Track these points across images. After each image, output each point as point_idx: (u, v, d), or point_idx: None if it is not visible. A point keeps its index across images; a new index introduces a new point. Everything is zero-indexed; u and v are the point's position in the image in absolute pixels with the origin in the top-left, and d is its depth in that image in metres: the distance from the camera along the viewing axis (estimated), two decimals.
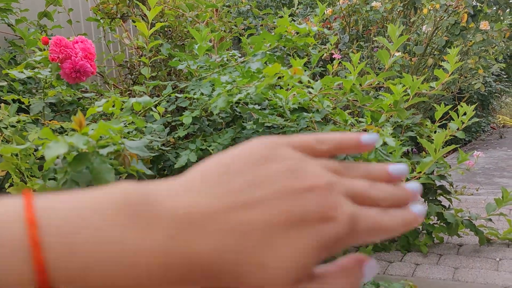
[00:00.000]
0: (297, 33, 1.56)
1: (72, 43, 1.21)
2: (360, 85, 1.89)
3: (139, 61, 1.88)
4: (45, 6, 2.38)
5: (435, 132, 2.29)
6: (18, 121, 1.34)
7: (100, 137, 0.75)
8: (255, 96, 1.13)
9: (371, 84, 1.86)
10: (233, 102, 1.17)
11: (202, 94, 1.36)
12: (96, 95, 2.29)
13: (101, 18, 1.96)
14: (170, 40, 1.98)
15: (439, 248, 2.20)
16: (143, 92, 1.74)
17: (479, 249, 2.13)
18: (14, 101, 1.79)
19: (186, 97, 1.36)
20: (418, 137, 2.23)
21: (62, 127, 1.58)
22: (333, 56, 2.72)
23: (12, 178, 1.27)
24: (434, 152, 1.57)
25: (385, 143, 1.14)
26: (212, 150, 1.32)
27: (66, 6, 2.49)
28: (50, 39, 1.21)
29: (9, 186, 1.32)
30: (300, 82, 1.51)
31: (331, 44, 2.81)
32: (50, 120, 1.91)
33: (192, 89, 1.45)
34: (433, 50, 3.93)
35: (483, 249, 2.13)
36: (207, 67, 1.47)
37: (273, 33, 1.33)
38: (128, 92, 1.90)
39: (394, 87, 1.88)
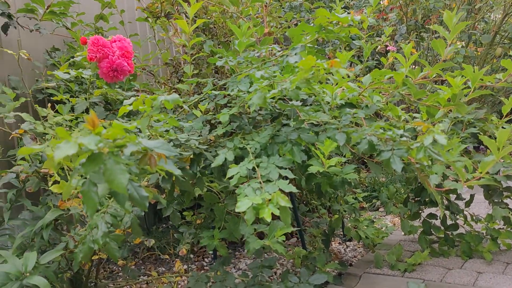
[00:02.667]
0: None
1: (109, 42, 1.22)
2: (414, 78, 1.75)
3: (184, 59, 1.88)
4: (101, 8, 2.46)
5: (502, 128, 2.08)
6: (67, 120, 1.38)
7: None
8: (291, 91, 1.07)
9: (426, 77, 1.72)
10: (268, 99, 1.12)
11: (239, 90, 1.32)
12: (147, 93, 2.33)
13: (147, 18, 1.98)
14: (214, 37, 1.96)
15: (505, 255, 2.00)
16: (187, 90, 1.73)
17: None
18: (68, 100, 1.85)
19: (224, 94, 1.32)
20: (480, 133, 2.04)
21: (112, 124, 1.61)
22: (388, 49, 2.57)
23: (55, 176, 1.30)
24: (497, 151, 1.41)
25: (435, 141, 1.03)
26: (250, 148, 1.28)
27: (120, 7, 2.56)
28: (88, 39, 1.23)
29: (52, 184, 1.36)
30: (348, 76, 1.42)
31: (386, 36, 2.66)
32: (102, 119, 1.97)
33: (231, 86, 1.41)
34: (502, 39, 3.61)
35: None
36: (247, 62, 1.43)
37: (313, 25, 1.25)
38: (174, 90, 1.91)
39: (453, 80, 1.72)
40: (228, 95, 1.36)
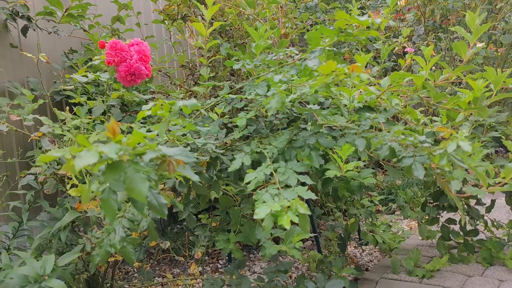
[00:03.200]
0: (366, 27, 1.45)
1: (127, 46, 1.22)
2: (434, 81, 1.72)
3: (200, 61, 1.88)
4: (117, 10, 2.47)
5: None
6: (84, 123, 1.38)
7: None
8: (310, 96, 1.05)
9: (447, 79, 1.68)
10: (286, 104, 1.10)
11: (257, 94, 1.31)
12: (163, 95, 2.34)
13: (164, 20, 1.98)
14: (231, 40, 1.95)
15: None
16: (203, 93, 1.73)
17: None
18: (86, 103, 1.86)
19: (240, 98, 1.31)
20: (503, 137, 1.99)
21: (131, 127, 1.61)
22: (406, 50, 2.53)
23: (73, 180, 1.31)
24: None
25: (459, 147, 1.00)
26: (267, 153, 1.26)
27: (137, 9, 2.57)
28: (106, 42, 1.23)
29: (70, 187, 1.37)
30: (368, 79, 1.40)
31: (403, 37, 2.62)
32: (118, 121, 1.98)
33: (248, 89, 1.40)
34: None
35: None
36: (264, 65, 1.41)
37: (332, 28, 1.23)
38: (190, 92, 1.90)
39: (474, 83, 1.68)
40: (245, 98, 1.35)
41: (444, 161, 1.01)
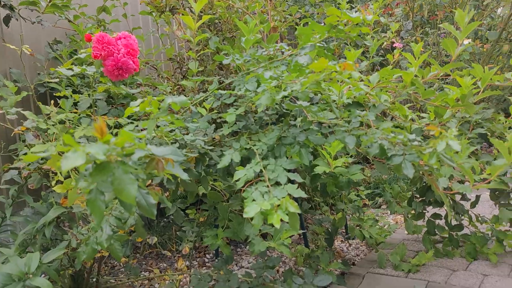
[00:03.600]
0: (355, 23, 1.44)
1: (115, 39, 1.19)
2: (422, 77, 1.72)
3: (188, 55, 1.85)
4: (103, 0, 2.42)
5: (509, 128, 2.06)
6: (67, 118, 1.35)
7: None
8: (301, 93, 1.04)
9: (435, 76, 1.69)
10: (277, 101, 1.09)
11: (247, 90, 1.29)
12: (150, 87, 2.30)
13: (151, 12, 1.94)
14: (219, 33, 1.92)
15: (511, 257, 1.99)
16: (191, 87, 1.70)
17: None
18: (71, 96, 1.82)
19: (230, 93, 1.29)
20: (489, 134, 2.01)
21: (118, 122, 1.58)
22: (394, 45, 2.54)
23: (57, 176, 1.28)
24: (508, 154, 1.39)
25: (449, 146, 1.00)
26: (257, 149, 1.25)
27: (123, 0, 2.52)
28: (93, 36, 1.20)
29: (55, 184, 1.34)
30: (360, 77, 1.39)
31: (392, 32, 2.63)
32: (104, 114, 1.94)
33: (238, 85, 1.38)
34: (509, 36, 3.57)
35: None
36: (254, 61, 1.40)
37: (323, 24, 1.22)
38: (177, 86, 1.88)
39: (462, 80, 1.69)
40: (235, 94, 1.33)
41: (433, 160, 1.01)
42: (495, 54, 3.62)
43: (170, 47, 2.01)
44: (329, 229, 2.16)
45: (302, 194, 1.03)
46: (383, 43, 2.67)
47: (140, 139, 0.70)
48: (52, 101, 1.40)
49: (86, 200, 0.69)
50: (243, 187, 1.15)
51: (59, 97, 1.90)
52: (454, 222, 2.07)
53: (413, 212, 2.13)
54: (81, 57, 1.28)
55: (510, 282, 1.75)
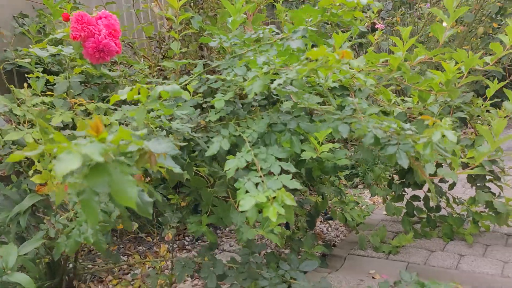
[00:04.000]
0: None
1: (95, 19, 1.11)
2: (408, 61, 1.71)
3: (168, 33, 1.76)
4: None
5: (487, 111, 2.09)
6: (42, 102, 1.27)
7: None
8: (295, 82, 1.00)
9: (422, 61, 1.68)
10: (271, 88, 1.05)
11: (235, 75, 1.24)
12: (126, 66, 2.20)
13: None
14: (201, 11, 1.84)
15: (485, 237, 2.06)
16: (173, 68, 1.63)
17: None
18: (42, 76, 1.71)
19: (218, 78, 1.24)
20: (468, 118, 2.04)
21: (98, 106, 1.49)
22: (376, 26, 2.52)
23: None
24: (492, 140, 1.41)
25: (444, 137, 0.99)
26: (247, 137, 1.21)
27: None
28: (71, 15, 1.11)
29: (33, 173, 1.26)
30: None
31: (373, 12, 2.60)
32: (78, 94, 1.84)
33: (225, 69, 1.32)
34: (483, 18, 3.61)
35: None
36: (241, 43, 1.34)
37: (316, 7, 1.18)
38: (157, 67, 1.80)
39: (447, 65, 1.69)
40: (224, 79, 1.28)
41: (428, 150, 1.01)
42: (469, 36, 3.67)
43: (150, 25, 1.92)
44: (311, 212, 2.16)
45: (297, 185, 1.01)
46: (364, 24, 2.64)
47: (140, 137, 0.65)
48: (26, 84, 1.31)
49: (80, 201, 0.63)
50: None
51: (27, 72, 1.78)
52: (432, 204, 2.12)
53: (393, 194, 2.16)
54: (57, 37, 1.19)
55: (485, 262, 1.80)
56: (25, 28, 2.15)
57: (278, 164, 1.08)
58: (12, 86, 1.34)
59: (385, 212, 2.41)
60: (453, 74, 1.69)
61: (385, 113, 1.62)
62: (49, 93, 1.43)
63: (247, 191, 1.02)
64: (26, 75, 1.96)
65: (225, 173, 1.12)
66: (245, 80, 1.22)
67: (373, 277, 1.80)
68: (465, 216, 2.11)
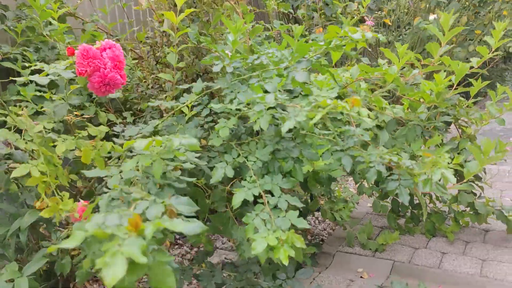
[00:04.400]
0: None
1: (99, 51, 1.09)
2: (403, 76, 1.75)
3: (162, 38, 1.73)
4: None
5: (471, 114, 2.17)
6: (48, 129, 1.25)
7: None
8: (305, 124, 1.02)
9: (415, 76, 1.72)
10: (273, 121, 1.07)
11: (239, 102, 1.25)
12: None
13: None
14: (195, 17, 1.80)
15: (464, 233, 2.18)
16: (169, 79, 1.61)
17: (506, 238, 2.11)
18: (30, 81, 1.67)
19: (224, 107, 1.25)
20: (454, 121, 2.11)
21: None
22: (367, 23, 2.52)
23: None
24: (480, 158, 1.48)
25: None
26: (251, 165, 1.24)
27: None
28: (76, 49, 1.08)
29: (39, 204, 1.26)
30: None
31: (363, 7, 2.60)
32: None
33: (227, 92, 1.33)
34: (468, 5, 3.65)
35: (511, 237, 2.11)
36: (244, 66, 1.35)
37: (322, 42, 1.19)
38: (152, 74, 1.77)
39: (438, 76, 1.74)
40: (226, 107, 1.28)
41: (428, 188, 1.06)
42: (455, 25, 3.71)
43: (143, 32, 1.87)
44: (301, 210, 2.23)
45: (305, 224, 1.05)
46: (356, 20, 2.64)
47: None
48: (26, 109, 1.28)
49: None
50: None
51: (12, 74, 1.73)
52: (416, 201, 2.22)
53: (380, 191, 2.24)
54: (61, 69, 1.16)
55: (465, 260, 1.93)
56: (7, 25, 2.06)
57: (285, 199, 1.12)
58: (12, 108, 1.31)
59: (369, 205, 2.51)
60: (444, 86, 1.74)
61: (379, 127, 1.67)
62: (49, 120, 1.39)
63: (255, 227, 1.06)
64: (8, 74, 1.89)
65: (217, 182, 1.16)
66: (248, 107, 1.23)
67: (361, 277, 1.91)
68: (446, 212, 2.22)
